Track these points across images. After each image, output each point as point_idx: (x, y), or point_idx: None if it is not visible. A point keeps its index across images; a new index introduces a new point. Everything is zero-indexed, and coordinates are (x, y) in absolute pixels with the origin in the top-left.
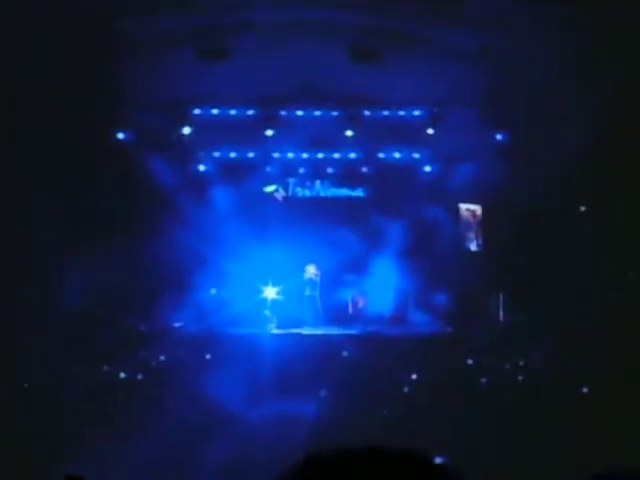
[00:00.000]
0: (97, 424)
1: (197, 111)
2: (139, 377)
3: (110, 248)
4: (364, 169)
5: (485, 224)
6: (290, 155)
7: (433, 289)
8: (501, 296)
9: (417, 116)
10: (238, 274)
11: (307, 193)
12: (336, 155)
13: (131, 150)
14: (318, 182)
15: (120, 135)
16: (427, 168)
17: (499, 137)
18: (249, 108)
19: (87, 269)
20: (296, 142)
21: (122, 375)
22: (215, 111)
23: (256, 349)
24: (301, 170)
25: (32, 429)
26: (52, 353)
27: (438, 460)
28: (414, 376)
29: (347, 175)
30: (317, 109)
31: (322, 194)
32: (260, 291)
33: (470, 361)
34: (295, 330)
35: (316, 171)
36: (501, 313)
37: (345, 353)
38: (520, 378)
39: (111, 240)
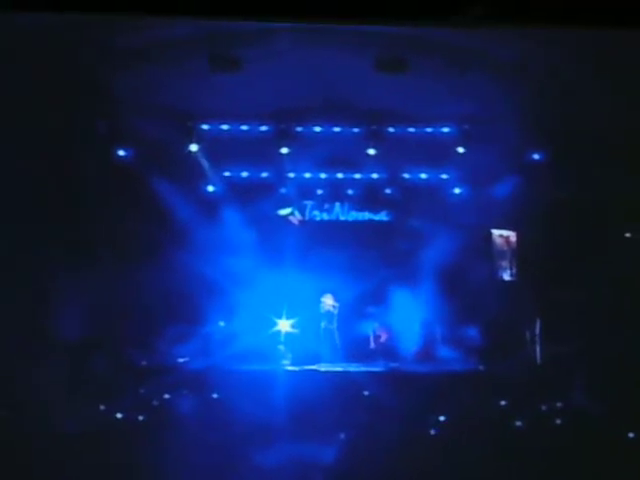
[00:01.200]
0: (92, 473)
1: (205, 126)
2: (140, 418)
3: (110, 275)
4: (388, 191)
5: (520, 252)
6: (307, 175)
7: (463, 322)
8: (537, 330)
9: (446, 133)
10: (249, 305)
11: (325, 217)
12: (357, 175)
13: (133, 168)
14: (337, 205)
15: (121, 152)
16: (457, 190)
17: (536, 157)
18: (263, 123)
19: (85, 297)
20: (314, 161)
21: (120, 415)
22: (225, 127)
23: (268, 387)
24: (319, 192)
25: None
26: (45, 388)
27: None
28: (442, 418)
29: (369, 197)
30: (337, 125)
31: (342, 218)
32: (273, 324)
33: (503, 402)
34: (311, 367)
35: (335, 193)
36: (538, 349)
37: (366, 392)
38: (558, 421)
39: (111, 266)
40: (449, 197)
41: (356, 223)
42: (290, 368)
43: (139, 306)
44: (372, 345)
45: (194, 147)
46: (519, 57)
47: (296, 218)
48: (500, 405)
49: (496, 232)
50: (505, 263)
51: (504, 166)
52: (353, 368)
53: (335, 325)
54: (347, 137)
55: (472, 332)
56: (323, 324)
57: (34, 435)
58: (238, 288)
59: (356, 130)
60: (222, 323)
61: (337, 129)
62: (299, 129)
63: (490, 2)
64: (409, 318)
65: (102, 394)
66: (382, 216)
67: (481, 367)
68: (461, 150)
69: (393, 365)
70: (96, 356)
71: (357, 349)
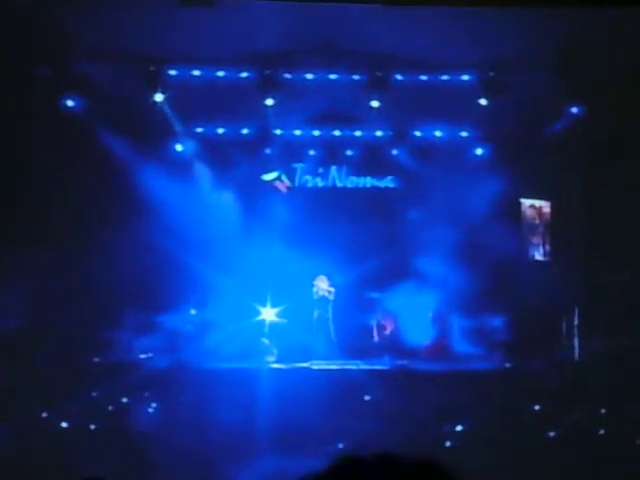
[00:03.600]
0: None
1: (173, 72)
2: (91, 427)
3: (56, 254)
4: (395, 152)
5: (555, 225)
6: (297, 132)
7: (486, 311)
8: (576, 321)
9: (466, 82)
10: (226, 289)
11: (319, 183)
12: (358, 133)
13: (83, 122)
14: (334, 168)
15: (69, 102)
16: (478, 151)
17: (574, 110)
18: (243, 69)
19: (26, 282)
20: (305, 115)
21: (66, 424)
22: (197, 72)
23: (250, 389)
24: (311, 152)
25: None
26: None
27: None
28: (459, 427)
29: (372, 160)
30: (333, 71)
31: (339, 184)
32: (255, 312)
33: (536, 407)
34: (302, 364)
35: (331, 154)
36: (576, 344)
37: (368, 395)
38: (601, 431)
39: (57, 244)
40: (469, 159)
41: (356, 190)
42: (276, 366)
43: (91, 290)
44: (375, 338)
45: (159, 97)
46: None
47: (284, 184)
48: (531, 411)
49: (526, 202)
50: (537, 239)
51: (536, 122)
52: (352, 366)
53: (330, 314)
54: (346, 86)
55: (496, 323)
56: (316, 313)
57: None
58: (213, 269)
59: (357, 77)
60: (193, 311)
61: (333, 76)
62: (287, 76)
63: None
64: (420, 305)
65: (44, 398)
66: (388, 182)
67: (508, 365)
68: (484, 102)
69: (401, 362)
70: (37, 351)
71: (357, 343)
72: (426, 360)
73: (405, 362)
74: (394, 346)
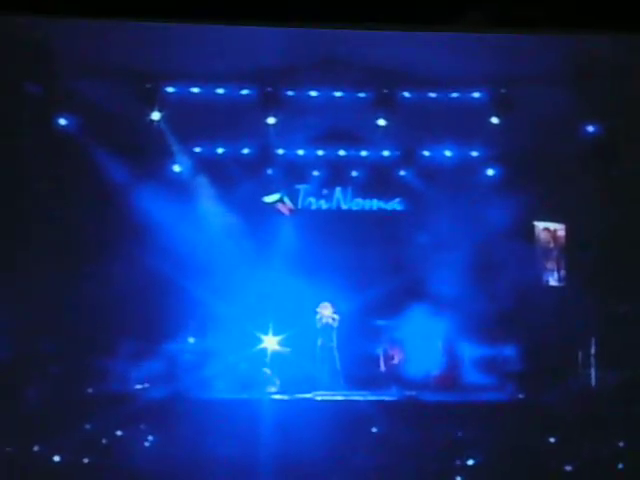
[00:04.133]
0: None
1: (170, 89)
2: (84, 461)
3: (46, 279)
4: (402, 172)
5: (570, 249)
6: (300, 152)
7: (497, 339)
8: (592, 350)
9: (477, 99)
10: (226, 317)
11: (323, 205)
12: (364, 153)
13: (76, 141)
14: (338, 190)
15: (61, 121)
16: (490, 172)
17: (590, 129)
18: (243, 86)
19: (12, 303)
20: (308, 134)
21: (58, 458)
22: (196, 89)
23: (251, 421)
24: (315, 173)
25: None
26: None
27: None
28: (470, 462)
29: (379, 181)
30: (338, 88)
31: (344, 206)
32: (257, 341)
33: (551, 440)
34: (305, 395)
35: (336, 175)
36: (592, 372)
37: (375, 428)
38: (620, 465)
39: (49, 265)
40: (480, 180)
41: (362, 213)
42: (278, 397)
43: (83, 317)
44: (382, 368)
45: (156, 115)
46: None
47: (286, 206)
48: (546, 445)
49: (540, 225)
50: (551, 264)
51: (550, 141)
52: (358, 397)
53: (335, 342)
54: (351, 103)
55: (509, 352)
56: (320, 341)
57: None
58: (212, 295)
59: (362, 95)
60: (192, 339)
61: (338, 93)
62: (290, 93)
63: (489, 7)
64: (429, 333)
65: (36, 431)
66: (395, 204)
67: (521, 396)
68: (495, 120)
69: (409, 393)
70: (28, 382)
71: (363, 373)
72: (435, 391)
73: (413, 393)
74: (402, 376)
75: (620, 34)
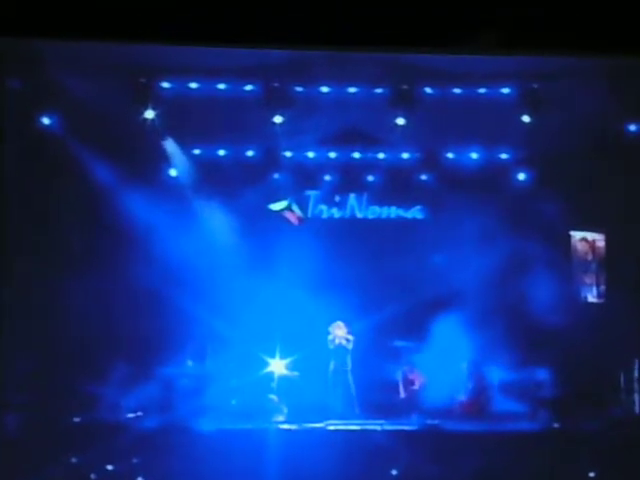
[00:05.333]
0: None
1: (166, 84)
2: None
3: (27, 295)
4: (423, 177)
5: (611, 262)
6: (310, 155)
7: (530, 362)
8: (636, 372)
9: (506, 95)
10: (229, 337)
11: (336, 213)
12: (381, 155)
13: (61, 142)
14: (353, 197)
15: (45, 120)
16: (521, 176)
17: (632, 128)
18: (247, 81)
19: None
20: (319, 135)
21: None
22: (194, 85)
23: (255, 454)
24: (327, 178)
25: None
26: None
27: None
28: None
29: (397, 186)
30: (352, 83)
31: (359, 215)
32: (263, 364)
33: (590, 474)
34: (316, 424)
35: (350, 180)
36: (636, 398)
37: (393, 462)
38: None
39: (28, 282)
40: (510, 185)
41: (379, 222)
42: (286, 427)
43: (70, 336)
44: (402, 394)
45: (150, 114)
46: None
47: (294, 215)
48: (584, 479)
49: (577, 235)
50: (589, 278)
51: (587, 142)
52: (375, 426)
53: (349, 366)
54: (366, 101)
55: (542, 375)
56: (332, 365)
57: None
58: (213, 314)
59: (379, 91)
60: (190, 363)
61: (353, 89)
62: (298, 89)
63: (503, 28)
64: (453, 356)
65: (18, 464)
66: (415, 212)
67: (556, 425)
68: (526, 119)
69: (431, 422)
70: (8, 410)
71: (380, 399)
72: (460, 419)
73: (436, 422)
74: (423, 403)
75: None
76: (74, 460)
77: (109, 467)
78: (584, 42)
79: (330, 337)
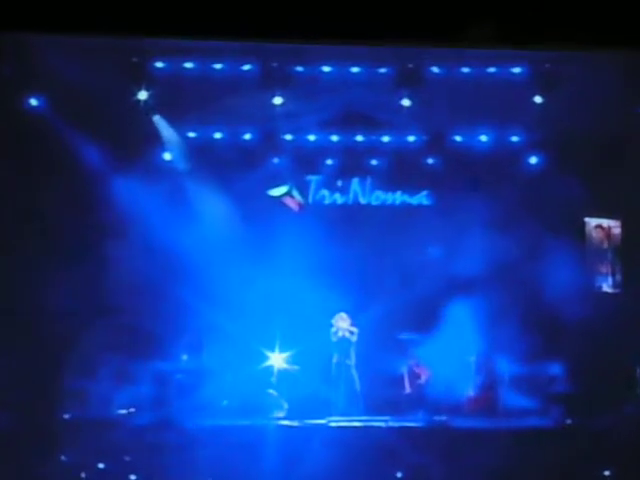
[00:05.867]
0: None
1: (160, 64)
2: None
3: (12, 283)
4: (430, 161)
5: (627, 250)
6: (311, 138)
7: (541, 355)
8: None
9: (517, 75)
10: (226, 330)
11: (338, 199)
12: (385, 138)
13: (49, 125)
14: (356, 181)
15: (32, 101)
16: (532, 159)
17: None
18: (245, 60)
19: None
20: (321, 117)
21: None
22: (189, 65)
23: (254, 451)
24: (329, 162)
25: None
26: None
27: None
28: None
29: (403, 170)
30: (355, 63)
31: (362, 201)
32: (262, 358)
33: (605, 473)
34: (317, 421)
35: (353, 164)
36: None
37: (398, 460)
38: None
39: (13, 269)
40: (521, 169)
41: (383, 208)
42: (286, 423)
43: (59, 329)
44: (407, 389)
45: (143, 95)
46: None
47: (295, 201)
48: (599, 478)
49: (592, 222)
50: (605, 267)
51: (603, 124)
52: (379, 423)
53: (353, 360)
54: (371, 81)
55: (555, 370)
56: (335, 358)
57: None
58: (209, 304)
59: (383, 70)
60: (185, 357)
61: (355, 69)
62: (299, 69)
63: (497, 23)
64: (461, 349)
65: (4, 463)
66: (421, 198)
67: (569, 422)
68: (539, 100)
69: (438, 419)
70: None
71: (385, 395)
72: (469, 415)
73: (443, 418)
74: (430, 398)
75: None
76: (64, 458)
77: (100, 465)
78: (585, 35)
79: (333, 329)
